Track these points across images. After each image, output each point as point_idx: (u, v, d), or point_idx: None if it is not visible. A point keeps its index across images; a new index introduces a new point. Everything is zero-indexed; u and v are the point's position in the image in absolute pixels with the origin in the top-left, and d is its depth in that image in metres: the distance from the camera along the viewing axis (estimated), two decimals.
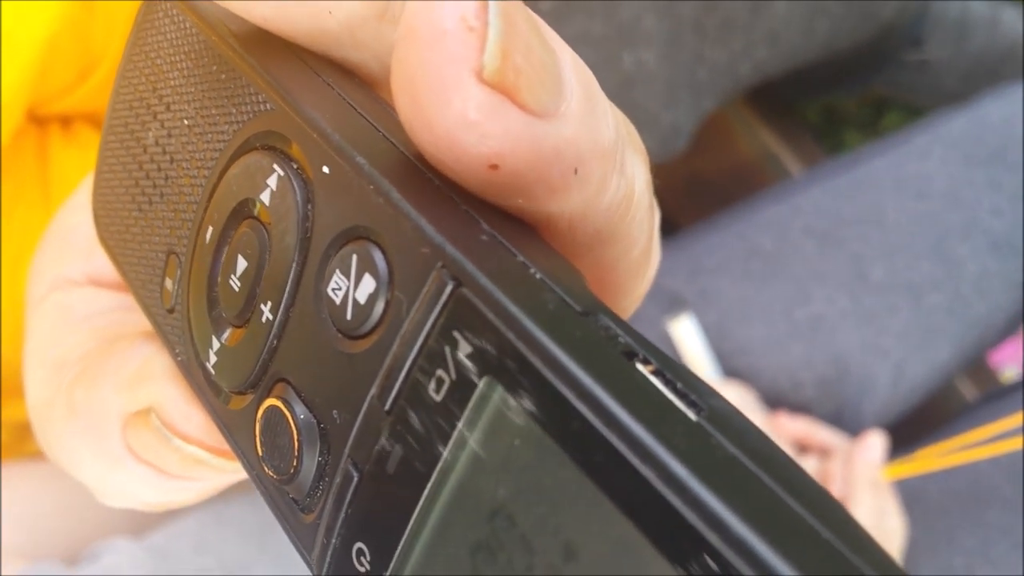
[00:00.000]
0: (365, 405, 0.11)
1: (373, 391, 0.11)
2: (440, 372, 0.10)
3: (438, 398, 0.10)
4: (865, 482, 0.55)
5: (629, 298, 0.16)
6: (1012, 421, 0.55)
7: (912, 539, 0.56)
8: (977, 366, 0.76)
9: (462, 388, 0.10)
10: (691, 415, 0.09)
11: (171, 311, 0.16)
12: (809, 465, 0.58)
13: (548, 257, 0.11)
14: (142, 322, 0.18)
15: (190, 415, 0.15)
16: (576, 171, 0.12)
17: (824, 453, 0.59)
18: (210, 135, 0.15)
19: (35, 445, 0.19)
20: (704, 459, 0.08)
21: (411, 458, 0.11)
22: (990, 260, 0.62)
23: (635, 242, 0.14)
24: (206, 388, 0.15)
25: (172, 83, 0.16)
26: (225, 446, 0.15)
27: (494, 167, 0.11)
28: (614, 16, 0.62)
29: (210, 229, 0.14)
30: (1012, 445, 0.54)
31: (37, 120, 0.47)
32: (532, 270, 0.11)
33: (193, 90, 0.15)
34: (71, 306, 0.19)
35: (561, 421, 0.09)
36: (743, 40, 0.67)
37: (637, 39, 0.63)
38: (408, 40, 0.11)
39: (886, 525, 0.55)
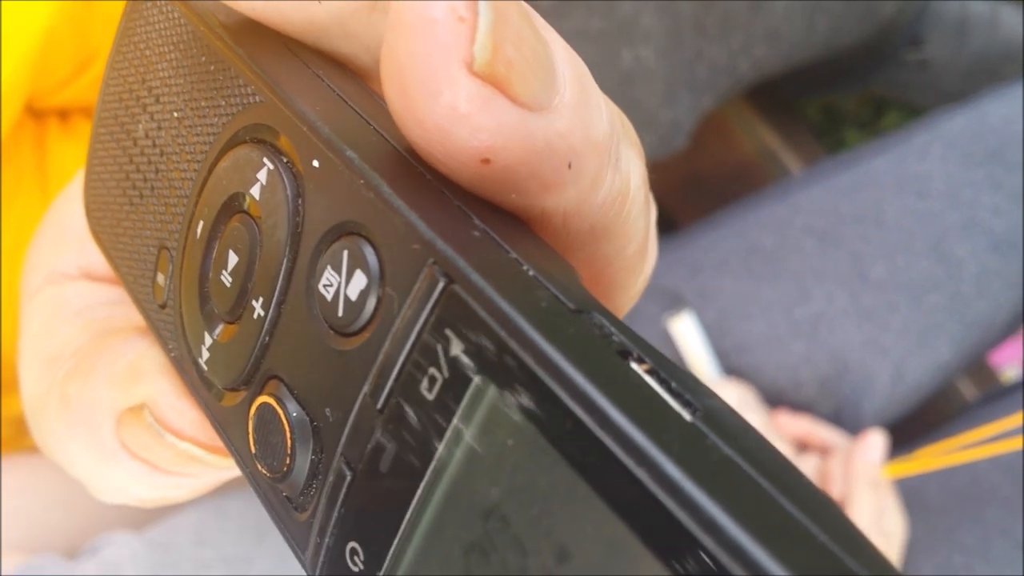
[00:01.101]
0: (358, 403, 0.11)
1: (366, 389, 0.11)
2: (433, 370, 0.10)
3: (431, 396, 0.10)
4: (865, 481, 0.55)
5: (625, 295, 0.16)
6: (1012, 421, 0.55)
7: (912, 538, 0.56)
8: (977, 366, 0.76)
9: (455, 386, 0.10)
10: (686, 415, 0.09)
11: (163, 307, 0.16)
12: (809, 464, 0.58)
13: (541, 253, 0.11)
14: (136, 316, 0.17)
15: (183, 411, 0.15)
16: (570, 165, 0.12)
17: (824, 452, 0.59)
18: (200, 128, 0.15)
19: (33, 439, 0.19)
20: (698, 460, 0.08)
21: (404, 457, 0.11)
22: (990, 259, 0.62)
23: (631, 238, 0.14)
24: (199, 384, 0.15)
25: (161, 75, 0.15)
26: (219, 443, 0.15)
27: (486, 161, 0.11)
28: (613, 13, 0.62)
29: (200, 224, 0.14)
30: (1012, 445, 0.53)
31: (35, 113, 0.47)
32: (525, 267, 0.10)
33: (182, 82, 0.15)
34: (65, 300, 0.19)
35: (554, 421, 0.09)
36: (743, 37, 0.67)
37: (636, 36, 0.63)
38: (397, 30, 0.11)
39: (886, 524, 0.55)
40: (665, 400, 0.09)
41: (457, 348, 0.10)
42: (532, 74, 0.11)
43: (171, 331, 0.15)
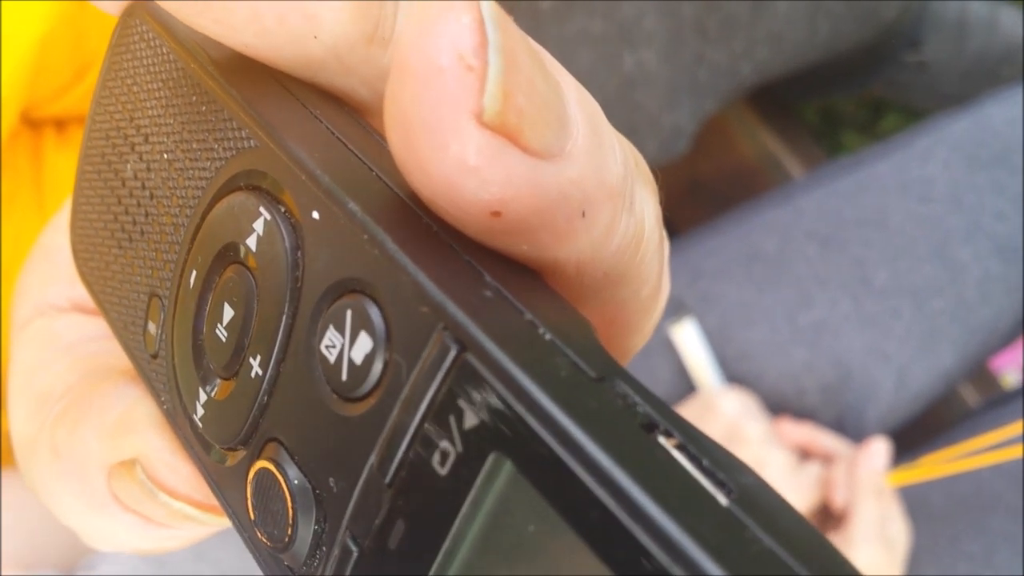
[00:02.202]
0: (364, 474, 0.11)
1: (372, 460, 0.11)
2: (445, 443, 0.10)
3: (443, 471, 0.10)
4: (869, 489, 0.55)
5: (639, 337, 0.15)
6: (1014, 429, 0.55)
7: (916, 546, 0.56)
8: (979, 371, 0.76)
9: (469, 462, 0.09)
10: (721, 499, 0.08)
11: (155, 356, 0.15)
12: (812, 472, 0.58)
13: (557, 311, 0.11)
14: None
15: (177, 468, 0.14)
16: (584, 214, 0.11)
17: (827, 459, 0.59)
18: (191, 171, 0.14)
19: None
20: (738, 556, 0.08)
21: (415, 535, 0.10)
22: (993, 264, 0.61)
23: (645, 280, 0.14)
24: (194, 441, 0.14)
25: (150, 112, 0.15)
26: (215, 502, 0.14)
27: (496, 214, 0.11)
28: (615, 15, 0.61)
29: (193, 273, 0.14)
30: (1015, 453, 0.53)
31: (31, 123, 0.47)
32: (541, 330, 0.10)
33: (172, 121, 0.14)
34: (55, 333, 0.18)
35: (578, 505, 0.08)
36: (744, 41, 0.67)
37: (638, 39, 0.62)
38: (401, 76, 0.10)
39: (890, 532, 0.54)
40: (697, 481, 0.08)
41: (471, 422, 0.09)
42: (543, 121, 0.10)
43: (163, 383, 0.15)
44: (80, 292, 0.18)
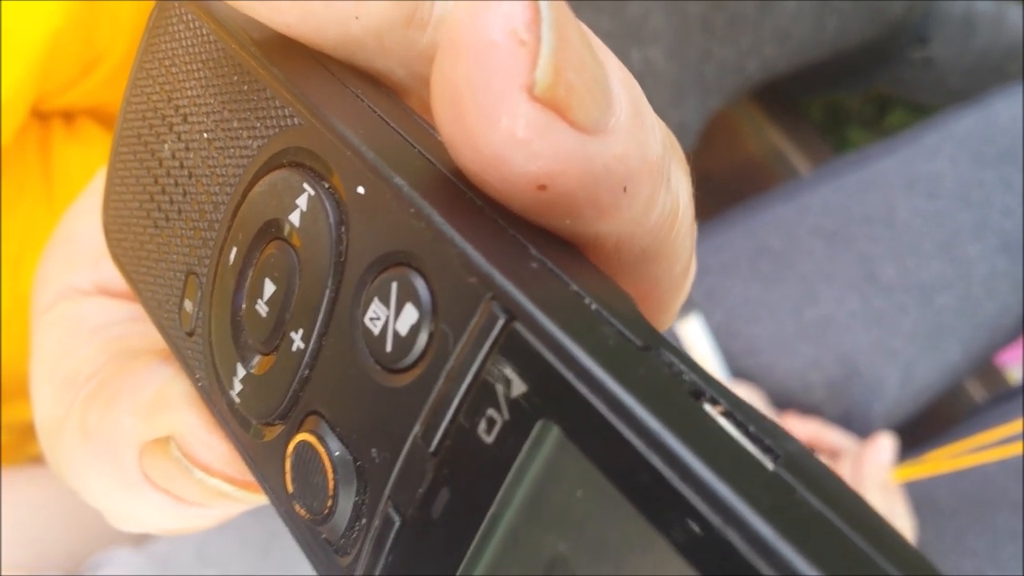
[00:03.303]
0: (408, 444, 0.11)
1: (416, 430, 0.11)
2: (491, 412, 0.10)
3: (489, 440, 0.10)
4: (875, 484, 0.55)
5: (668, 314, 0.15)
6: (1020, 425, 0.55)
7: (921, 542, 0.56)
8: (985, 366, 0.76)
9: (516, 430, 0.09)
10: (768, 463, 0.08)
11: (191, 334, 0.15)
12: None
13: (600, 283, 0.11)
14: (155, 336, 0.17)
15: (213, 446, 0.15)
16: (625, 189, 0.11)
17: (833, 455, 0.59)
18: (232, 150, 0.14)
19: (37, 448, 0.19)
20: (789, 517, 0.08)
21: (459, 503, 0.10)
22: (1000, 260, 0.61)
23: (679, 258, 0.14)
24: (229, 417, 0.14)
25: (189, 93, 0.15)
26: (250, 478, 0.14)
27: (542, 187, 0.11)
28: (622, 13, 0.61)
29: (234, 250, 0.14)
30: (1020, 449, 0.53)
31: (40, 115, 0.47)
32: (587, 300, 0.10)
33: (212, 101, 0.14)
34: (80, 317, 0.18)
35: (628, 471, 0.08)
36: (751, 38, 0.67)
37: (645, 36, 0.62)
38: (452, 52, 0.10)
39: (895, 527, 0.54)
40: (745, 447, 0.09)
41: (518, 389, 0.09)
42: (591, 97, 0.11)
43: (199, 360, 0.15)
44: (104, 275, 0.18)
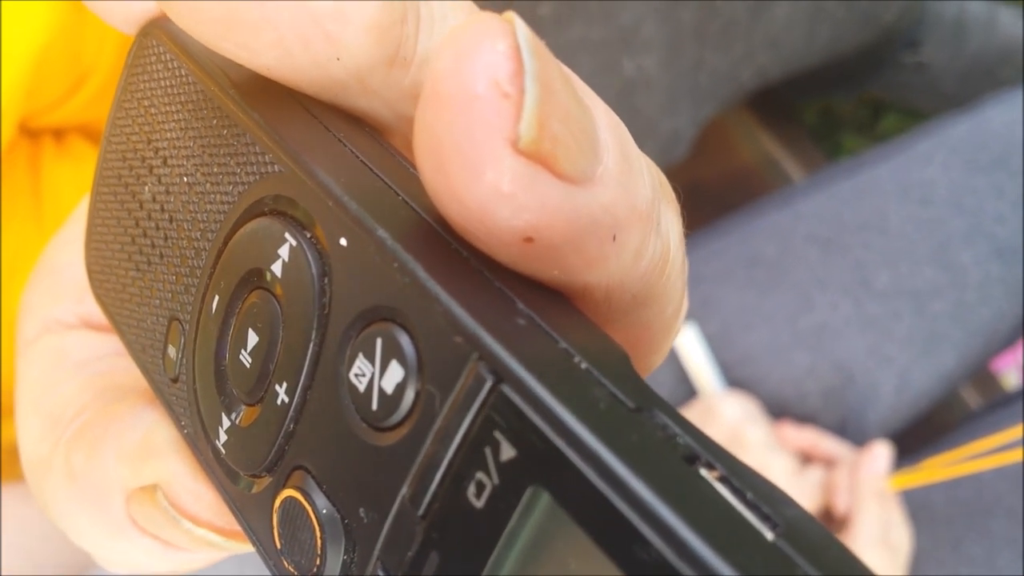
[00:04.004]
0: (396, 505, 0.10)
1: (404, 491, 0.10)
2: (481, 475, 0.10)
3: (479, 504, 0.10)
4: (871, 493, 0.54)
5: (659, 355, 0.15)
6: (1015, 432, 0.55)
7: (918, 550, 0.56)
8: (980, 372, 0.76)
9: (506, 495, 0.09)
10: (767, 534, 0.08)
11: (175, 380, 0.15)
12: (814, 476, 0.58)
13: (591, 337, 0.11)
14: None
15: (200, 495, 0.14)
16: (615, 238, 0.11)
17: (829, 463, 0.59)
18: (212, 195, 0.14)
19: None
20: None
21: (450, 568, 0.10)
22: (994, 267, 0.61)
23: (670, 300, 0.14)
24: (216, 467, 0.14)
25: (168, 135, 0.14)
26: (237, 528, 0.14)
27: (529, 240, 0.10)
28: (614, 22, 0.61)
29: (216, 298, 0.13)
30: (1016, 456, 0.53)
31: (29, 133, 0.46)
32: (577, 359, 0.10)
33: (192, 144, 0.14)
34: (64, 351, 0.18)
35: (621, 542, 0.08)
36: (744, 46, 0.67)
37: (637, 45, 0.62)
38: (435, 103, 0.10)
39: (892, 537, 0.54)
40: (742, 516, 0.08)
41: (508, 453, 0.09)
42: (577, 147, 0.10)
43: (184, 407, 0.14)
44: (89, 308, 0.18)
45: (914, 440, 0.62)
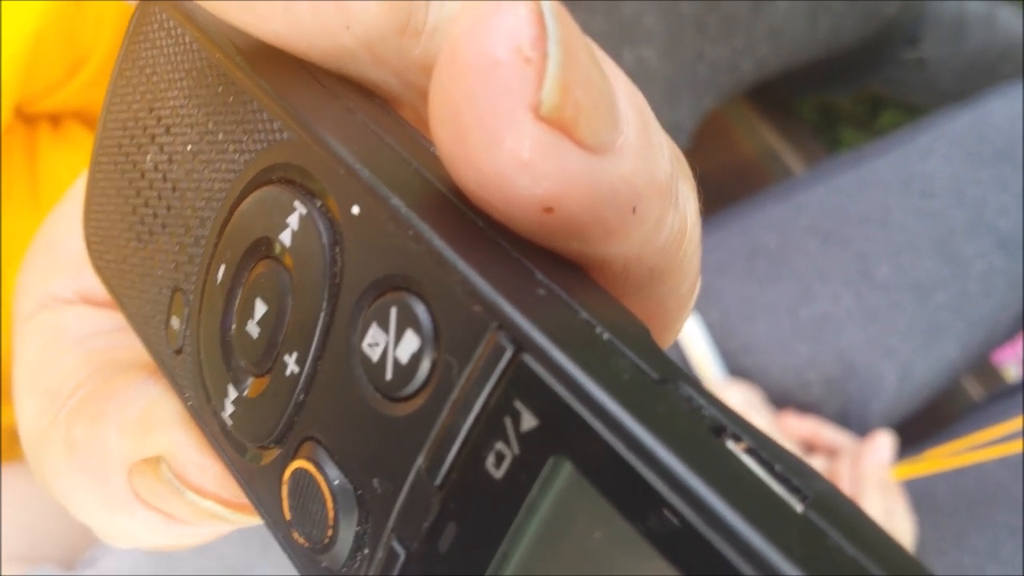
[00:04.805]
0: (411, 476, 0.10)
1: (420, 462, 0.10)
2: (500, 445, 0.09)
3: (498, 475, 0.09)
4: (874, 483, 0.54)
5: (673, 333, 0.15)
6: (1018, 423, 0.54)
7: (921, 540, 0.56)
8: (982, 364, 0.76)
9: (527, 466, 0.09)
10: (796, 505, 0.08)
11: (178, 352, 0.14)
12: (817, 465, 0.57)
13: (612, 310, 0.10)
14: (141, 347, 0.16)
15: (205, 467, 0.14)
16: (634, 210, 0.11)
17: (831, 453, 0.59)
18: (217, 164, 0.13)
19: None
20: (824, 566, 0.07)
21: (468, 539, 0.10)
22: (996, 258, 0.61)
23: (686, 276, 0.13)
24: (221, 439, 0.13)
25: (171, 103, 0.14)
26: (244, 500, 0.14)
27: (548, 210, 0.10)
28: (615, 13, 0.61)
29: (222, 267, 0.13)
30: (1018, 447, 0.53)
31: (26, 118, 0.46)
32: (598, 330, 0.09)
33: (196, 112, 0.14)
34: (62, 327, 0.17)
35: (649, 512, 0.08)
36: (745, 37, 0.67)
37: (638, 36, 0.62)
38: (452, 69, 0.10)
39: (895, 526, 0.54)
40: (771, 488, 0.08)
41: (528, 423, 0.09)
42: (598, 116, 0.10)
43: (188, 379, 0.14)
44: (86, 284, 0.17)
45: (916, 431, 0.62)
